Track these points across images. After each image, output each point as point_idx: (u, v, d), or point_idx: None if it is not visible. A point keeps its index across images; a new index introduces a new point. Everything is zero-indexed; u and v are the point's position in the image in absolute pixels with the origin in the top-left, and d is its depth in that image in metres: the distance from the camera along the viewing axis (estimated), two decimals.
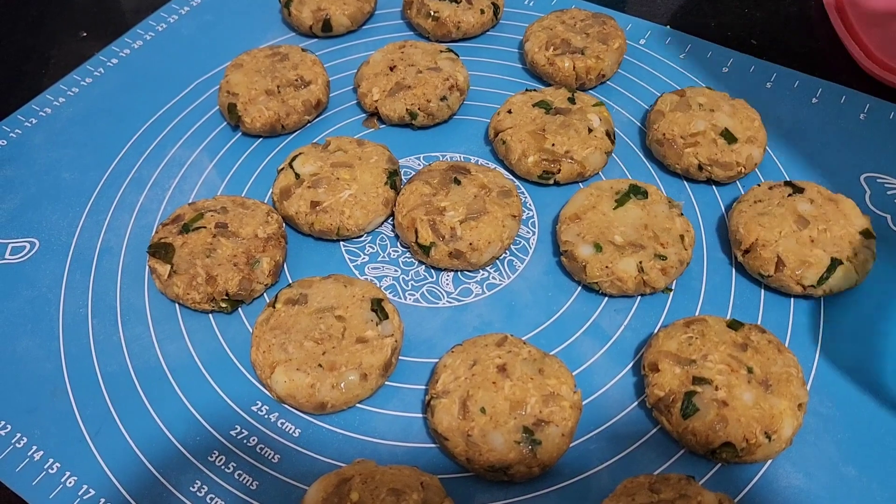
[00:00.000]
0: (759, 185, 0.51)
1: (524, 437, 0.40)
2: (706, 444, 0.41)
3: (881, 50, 0.62)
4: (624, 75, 0.63)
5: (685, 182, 0.55)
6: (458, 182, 0.51)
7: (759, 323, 0.47)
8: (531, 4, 0.69)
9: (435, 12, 0.64)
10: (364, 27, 0.67)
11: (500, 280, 0.50)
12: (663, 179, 0.55)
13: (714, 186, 0.55)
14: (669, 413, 0.42)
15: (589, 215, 0.50)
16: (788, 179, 0.52)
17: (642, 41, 0.65)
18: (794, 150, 0.57)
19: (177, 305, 0.48)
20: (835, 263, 0.46)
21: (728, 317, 0.47)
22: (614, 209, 0.50)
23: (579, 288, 0.49)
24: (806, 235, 0.48)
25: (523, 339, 0.46)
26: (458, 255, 0.48)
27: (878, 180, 0.54)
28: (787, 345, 0.46)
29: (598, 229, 0.49)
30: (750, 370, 0.42)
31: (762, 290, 0.49)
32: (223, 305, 0.47)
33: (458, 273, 0.50)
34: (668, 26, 0.67)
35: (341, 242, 0.52)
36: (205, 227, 0.49)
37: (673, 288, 0.49)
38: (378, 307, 0.45)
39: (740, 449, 0.40)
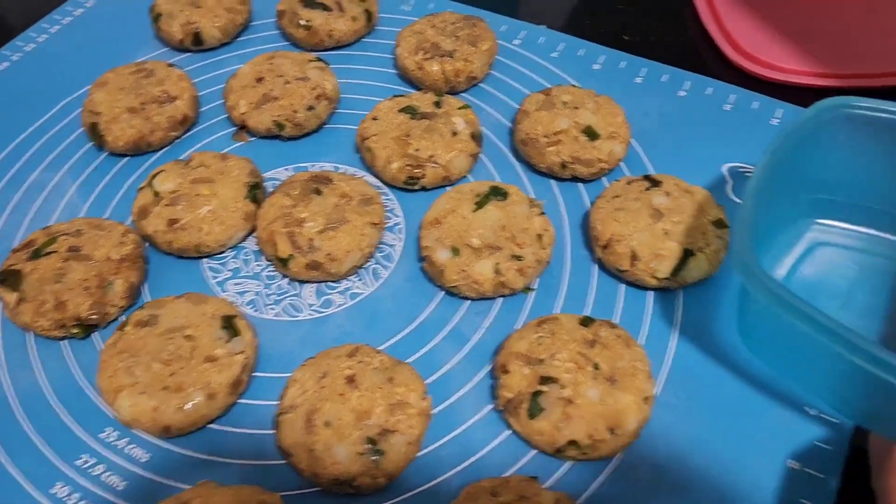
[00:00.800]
0: (618, 181, 0.52)
1: (368, 448, 0.40)
2: (552, 444, 0.41)
3: (746, 41, 0.63)
4: (496, 76, 0.63)
5: (552, 181, 0.55)
6: (318, 192, 0.51)
7: (617, 318, 0.48)
8: (409, 10, 0.69)
9: (306, 21, 0.63)
10: (239, 39, 0.67)
11: (363, 289, 0.50)
12: (531, 179, 0.55)
13: (580, 184, 0.55)
14: (517, 414, 0.42)
15: (449, 219, 0.49)
16: (648, 173, 0.52)
17: (516, 41, 0.66)
18: (661, 144, 0.57)
19: (29, 334, 0.47)
20: (687, 255, 0.47)
21: (587, 313, 0.48)
22: (474, 212, 0.50)
23: (442, 293, 0.49)
24: (660, 228, 0.48)
25: (381, 347, 0.46)
26: (316, 267, 0.48)
27: (740, 170, 0.55)
28: (644, 338, 0.47)
29: (457, 233, 0.49)
30: (596, 366, 0.42)
31: (622, 285, 0.49)
32: (75, 331, 0.46)
33: (322, 284, 0.50)
34: (543, 26, 0.67)
35: (204, 259, 0.51)
36: (56, 252, 0.48)
37: (534, 287, 0.49)
38: (228, 324, 0.45)
39: (585, 446, 0.40)
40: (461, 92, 0.61)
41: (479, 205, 0.50)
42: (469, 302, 0.49)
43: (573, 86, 0.58)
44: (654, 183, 0.51)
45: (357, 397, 0.41)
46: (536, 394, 0.41)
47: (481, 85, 0.62)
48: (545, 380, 0.42)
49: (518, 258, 0.47)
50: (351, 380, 0.42)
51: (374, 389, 0.42)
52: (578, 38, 0.66)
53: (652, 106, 0.60)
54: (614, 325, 0.45)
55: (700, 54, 0.65)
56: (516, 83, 0.62)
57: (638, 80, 0.62)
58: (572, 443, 0.40)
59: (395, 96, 0.58)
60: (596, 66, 0.63)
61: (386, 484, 0.40)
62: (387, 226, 0.53)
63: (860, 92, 0.56)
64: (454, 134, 0.54)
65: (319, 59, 0.60)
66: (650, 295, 0.49)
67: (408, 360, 0.46)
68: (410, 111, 0.56)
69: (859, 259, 0.49)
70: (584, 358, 0.42)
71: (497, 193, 0.51)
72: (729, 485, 0.41)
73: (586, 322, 0.45)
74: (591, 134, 0.54)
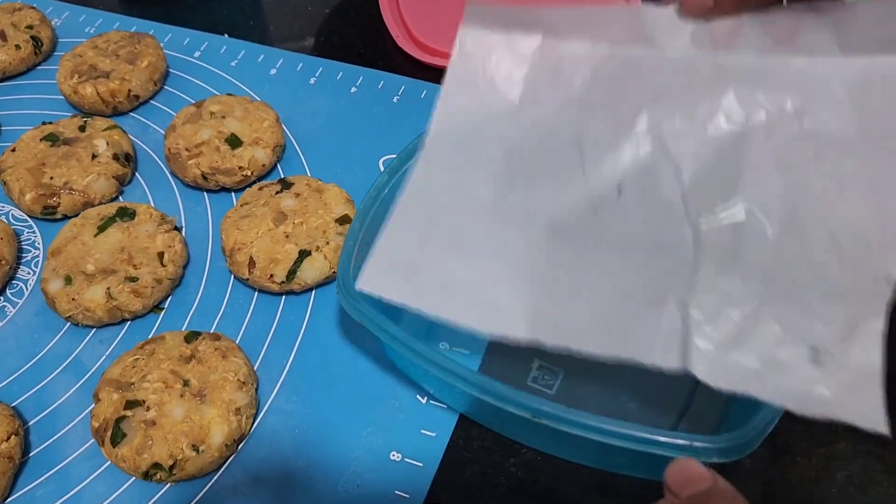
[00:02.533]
0: (251, 188, 0.51)
1: None
2: (136, 469, 0.39)
3: (422, 32, 0.63)
4: (171, 92, 0.61)
5: (204, 193, 0.54)
6: None
7: (243, 328, 0.47)
8: (92, 31, 0.67)
9: None
10: None
11: None
12: (184, 193, 0.54)
13: (233, 193, 0.54)
14: (104, 443, 0.40)
15: (69, 248, 0.48)
16: (284, 177, 0.52)
17: (197, 54, 0.64)
18: (324, 144, 0.57)
19: None
20: (303, 255, 0.46)
21: (216, 326, 0.47)
22: (95, 236, 0.48)
23: (68, 324, 0.47)
24: (281, 232, 0.47)
25: None
26: None
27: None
28: (267, 345, 0.46)
29: (74, 261, 0.47)
30: (186, 383, 0.41)
31: (256, 293, 0.48)
32: None
33: None
34: (226, 35, 0.66)
35: None
36: None
37: (165, 306, 0.48)
38: None
39: (169, 467, 0.39)
40: (128, 112, 0.60)
41: (101, 229, 0.48)
42: (95, 330, 0.47)
43: (229, 94, 0.57)
44: (287, 185, 0.50)
45: None
46: (120, 419, 0.40)
47: (153, 102, 0.61)
48: (131, 403, 0.41)
49: (133, 280, 0.46)
50: None
51: None
52: (261, 44, 0.65)
53: (321, 106, 0.59)
54: (219, 336, 0.44)
55: (382, 50, 0.65)
56: (190, 97, 0.61)
57: (312, 80, 0.61)
58: (157, 465, 0.39)
59: (44, 123, 0.56)
60: (273, 72, 0.62)
61: None
62: (24, 260, 0.51)
63: None
64: (94, 157, 0.53)
65: None
66: (282, 300, 0.48)
67: (17, 401, 0.44)
68: (52, 138, 0.54)
69: None
70: (174, 376, 0.41)
71: (124, 214, 0.49)
72: (329, 486, 0.40)
73: (190, 338, 0.44)
74: (234, 142, 0.53)
